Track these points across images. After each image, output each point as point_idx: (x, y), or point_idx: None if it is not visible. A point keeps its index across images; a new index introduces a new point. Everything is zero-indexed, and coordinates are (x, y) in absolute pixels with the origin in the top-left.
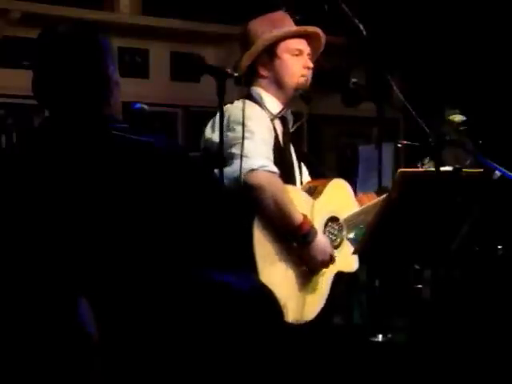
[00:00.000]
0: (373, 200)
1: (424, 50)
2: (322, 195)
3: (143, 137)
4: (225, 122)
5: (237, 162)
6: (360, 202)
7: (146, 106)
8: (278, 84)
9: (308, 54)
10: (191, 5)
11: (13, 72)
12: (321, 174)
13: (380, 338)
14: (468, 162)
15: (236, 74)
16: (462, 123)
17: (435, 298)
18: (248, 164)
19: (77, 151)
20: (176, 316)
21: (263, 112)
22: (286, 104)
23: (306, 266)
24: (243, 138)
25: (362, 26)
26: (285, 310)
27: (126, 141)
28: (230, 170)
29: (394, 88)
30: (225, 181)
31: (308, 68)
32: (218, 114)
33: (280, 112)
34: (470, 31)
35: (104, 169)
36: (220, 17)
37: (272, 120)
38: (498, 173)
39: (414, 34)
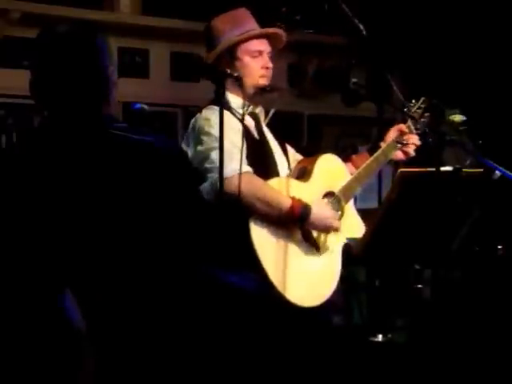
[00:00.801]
0: (365, 162)
1: (424, 50)
2: (313, 175)
3: (143, 136)
4: (194, 134)
5: (211, 176)
6: (354, 165)
7: (146, 106)
8: (239, 84)
9: (268, 53)
10: (191, 5)
11: (13, 72)
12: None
13: (380, 338)
14: (468, 162)
15: (236, 74)
16: (462, 123)
17: (435, 298)
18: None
19: (76, 150)
20: (174, 313)
21: (228, 115)
22: (251, 101)
23: (316, 237)
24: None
25: (361, 26)
26: (298, 298)
27: (126, 140)
28: (206, 186)
29: (394, 88)
30: (207, 196)
31: (267, 68)
32: (189, 128)
33: (247, 109)
34: (469, 31)
35: (103, 168)
36: None
37: (242, 119)
38: (497, 173)
39: (414, 34)
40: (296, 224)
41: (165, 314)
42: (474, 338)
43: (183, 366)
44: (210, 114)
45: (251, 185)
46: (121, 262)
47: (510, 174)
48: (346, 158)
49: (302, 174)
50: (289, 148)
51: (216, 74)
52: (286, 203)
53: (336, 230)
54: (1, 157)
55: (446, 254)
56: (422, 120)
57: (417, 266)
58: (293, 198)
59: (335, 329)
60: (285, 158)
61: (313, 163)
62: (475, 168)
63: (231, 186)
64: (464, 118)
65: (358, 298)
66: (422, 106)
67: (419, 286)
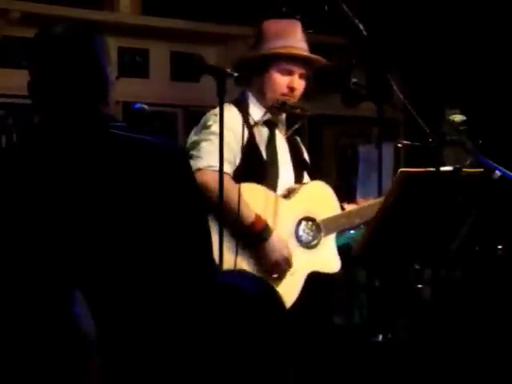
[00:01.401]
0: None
1: (424, 50)
2: (297, 195)
3: (142, 136)
4: (199, 125)
5: (192, 163)
6: (358, 204)
7: (146, 106)
8: (260, 93)
9: (301, 74)
10: (191, 5)
11: (13, 72)
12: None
13: (380, 338)
14: (468, 162)
15: (236, 74)
16: (462, 123)
17: (435, 298)
18: (197, 164)
19: (76, 149)
20: (178, 315)
21: (238, 117)
22: (265, 113)
23: (262, 265)
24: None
25: (361, 26)
26: None
27: (126, 139)
28: None
29: (394, 88)
30: None
31: (292, 89)
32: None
33: (262, 118)
34: (469, 31)
35: (104, 166)
36: (220, 17)
37: (253, 126)
38: (498, 173)
39: (413, 34)
40: (251, 241)
41: (169, 314)
42: (475, 337)
43: (187, 366)
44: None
45: (218, 183)
46: (123, 262)
47: (510, 173)
48: (351, 200)
49: (288, 192)
50: (305, 176)
51: (216, 73)
52: (249, 216)
53: (280, 271)
54: (1, 156)
55: (446, 253)
56: None
57: (417, 266)
58: (257, 215)
59: (335, 329)
60: (293, 177)
61: (301, 185)
62: (475, 168)
63: (200, 178)
64: (464, 118)
65: (358, 298)
66: None
67: (419, 285)
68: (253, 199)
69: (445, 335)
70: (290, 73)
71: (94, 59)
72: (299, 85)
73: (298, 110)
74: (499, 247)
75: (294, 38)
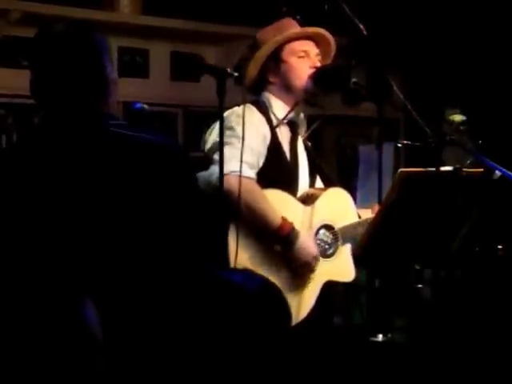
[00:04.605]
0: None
1: (424, 50)
2: (317, 202)
3: (142, 134)
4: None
5: (212, 167)
6: (373, 211)
7: (146, 106)
8: (287, 88)
9: (317, 55)
10: (191, 5)
11: (13, 72)
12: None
13: (380, 338)
14: (468, 161)
15: (236, 74)
16: (462, 123)
17: (435, 298)
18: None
19: (75, 148)
20: (182, 315)
21: (262, 118)
22: (292, 108)
23: (291, 268)
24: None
25: (362, 26)
26: None
27: (126, 138)
28: (205, 175)
29: (395, 88)
30: (202, 186)
31: (316, 68)
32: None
33: (285, 117)
34: (469, 31)
35: (103, 165)
36: (220, 17)
37: (276, 126)
38: (498, 173)
39: (414, 34)
40: (279, 245)
41: (172, 313)
42: (474, 337)
43: (190, 365)
44: (246, 112)
45: (244, 189)
46: (127, 261)
47: (510, 173)
48: (367, 206)
49: (307, 198)
50: (318, 179)
51: (216, 73)
52: (276, 221)
53: (310, 271)
54: (1, 156)
55: (446, 253)
56: None
57: (417, 266)
58: (284, 218)
59: (335, 329)
60: (308, 181)
61: (321, 192)
62: (475, 168)
63: (225, 184)
64: (464, 118)
65: (358, 298)
66: None
67: (419, 285)
68: (276, 205)
69: (445, 335)
70: (306, 54)
71: (94, 58)
72: (319, 64)
73: (319, 109)
74: (499, 247)
75: (294, 28)
